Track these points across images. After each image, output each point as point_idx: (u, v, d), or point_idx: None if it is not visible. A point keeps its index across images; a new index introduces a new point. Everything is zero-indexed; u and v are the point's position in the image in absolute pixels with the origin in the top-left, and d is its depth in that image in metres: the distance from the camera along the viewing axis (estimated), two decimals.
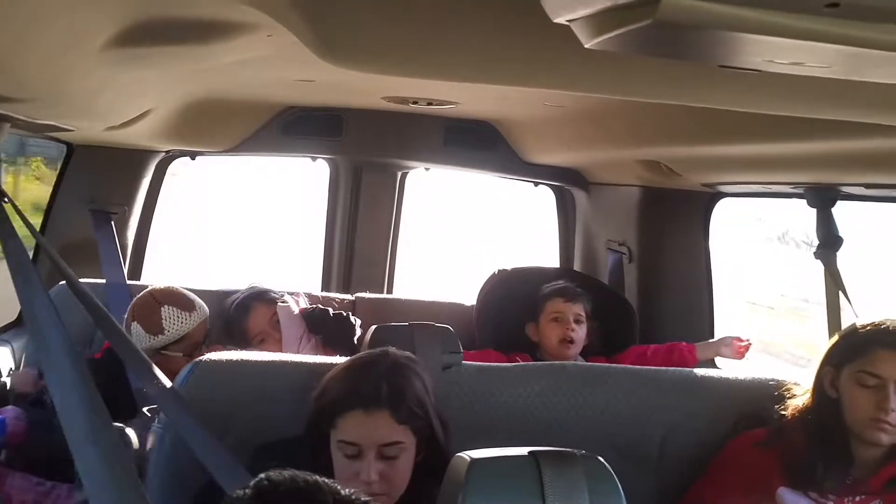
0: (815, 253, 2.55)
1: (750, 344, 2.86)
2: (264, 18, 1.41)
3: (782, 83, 1.15)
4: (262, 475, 1.08)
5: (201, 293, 3.03)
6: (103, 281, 3.08)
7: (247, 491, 1.06)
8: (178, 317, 2.58)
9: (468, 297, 3.27)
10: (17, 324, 3.28)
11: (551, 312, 2.81)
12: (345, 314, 2.90)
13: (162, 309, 2.58)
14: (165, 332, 2.55)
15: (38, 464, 2.45)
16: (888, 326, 1.94)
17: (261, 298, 2.86)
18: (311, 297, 3.12)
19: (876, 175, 2.14)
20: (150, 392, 1.80)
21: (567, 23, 0.84)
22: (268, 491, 1.05)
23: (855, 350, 1.95)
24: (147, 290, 2.65)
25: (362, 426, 1.61)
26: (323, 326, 2.84)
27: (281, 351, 2.74)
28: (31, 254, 2.68)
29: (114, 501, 1.24)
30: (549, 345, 2.80)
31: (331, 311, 2.90)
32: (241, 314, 2.82)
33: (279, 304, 2.84)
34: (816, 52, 0.74)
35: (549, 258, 4.01)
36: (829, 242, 2.51)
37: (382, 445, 1.61)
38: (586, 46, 0.86)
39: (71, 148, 3.37)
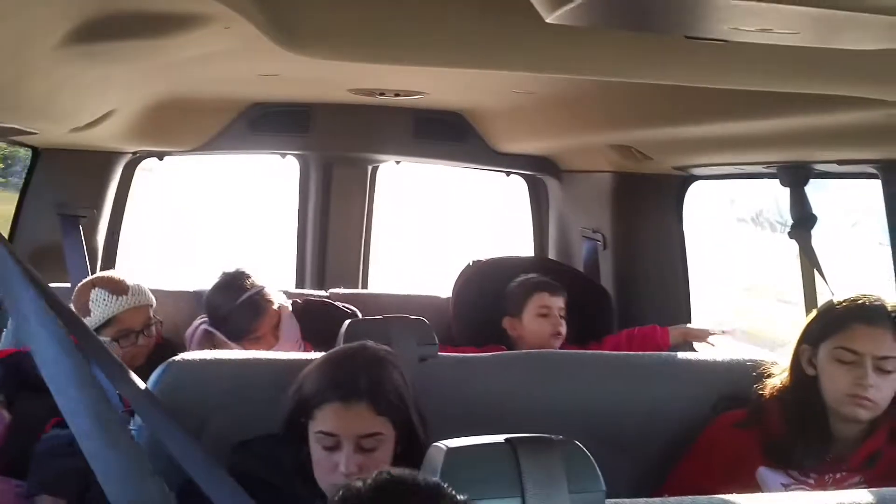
0: (789, 233, 2.55)
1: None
2: (220, 9, 1.38)
3: (751, 56, 1.13)
4: (384, 469, 1.07)
5: (176, 294, 3.00)
6: (68, 285, 3.02)
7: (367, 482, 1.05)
8: (105, 299, 2.58)
9: (444, 289, 3.25)
10: None
11: (539, 307, 2.75)
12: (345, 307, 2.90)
13: (91, 291, 2.60)
14: (91, 313, 2.56)
15: (17, 467, 2.41)
16: (864, 302, 1.94)
17: (269, 300, 2.77)
18: (286, 293, 3.09)
19: (848, 151, 2.15)
20: (124, 394, 1.78)
21: None
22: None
23: (832, 327, 1.94)
24: None
25: (341, 417, 1.60)
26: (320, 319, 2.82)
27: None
28: None
29: (126, 488, 1.22)
30: (535, 340, 2.75)
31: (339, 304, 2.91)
32: (251, 313, 2.71)
33: (283, 306, 2.79)
34: (783, 15, 0.72)
35: (524, 248, 3.99)
36: (803, 221, 2.51)
37: (361, 437, 1.60)
38: (547, 21, 0.84)
39: (37, 152, 3.33)
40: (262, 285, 2.77)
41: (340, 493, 1.07)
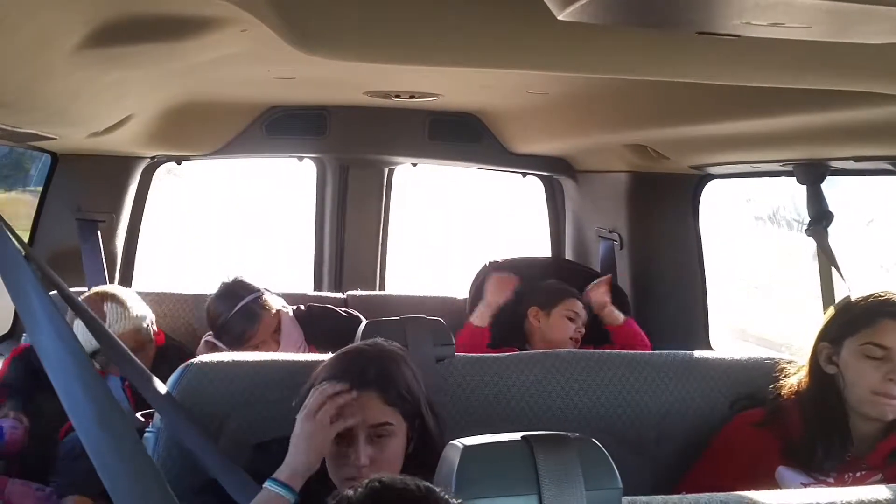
0: (806, 230, 2.54)
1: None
2: (236, 12, 1.39)
3: (763, 51, 1.13)
4: (374, 477, 1.07)
5: (194, 298, 3.02)
6: (85, 289, 3.05)
7: (358, 490, 1.05)
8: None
9: (461, 290, 3.26)
10: (9, 336, 3.26)
11: (570, 309, 2.88)
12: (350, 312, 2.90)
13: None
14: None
15: (35, 471, 2.44)
16: (890, 297, 1.92)
17: (266, 307, 2.77)
18: (303, 296, 3.10)
19: (864, 147, 2.13)
20: (145, 396, 1.80)
21: None
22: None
23: (858, 322, 1.93)
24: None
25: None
26: (325, 324, 2.82)
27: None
28: None
29: (132, 487, 1.22)
30: (554, 336, 2.82)
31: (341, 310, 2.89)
32: (247, 319, 2.70)
33: (282, 311, 2.78)
34: (795, 9, 0.72)
35: (542, 248, 3.99)
36: (819, 219, 2.50)
37: (372, 426, 1.60)
38: (559, 18, 0.84)
39: (55, 157, 3.36)
40: (260, 291, 2.75)
41: (333, 501, 1.07)
